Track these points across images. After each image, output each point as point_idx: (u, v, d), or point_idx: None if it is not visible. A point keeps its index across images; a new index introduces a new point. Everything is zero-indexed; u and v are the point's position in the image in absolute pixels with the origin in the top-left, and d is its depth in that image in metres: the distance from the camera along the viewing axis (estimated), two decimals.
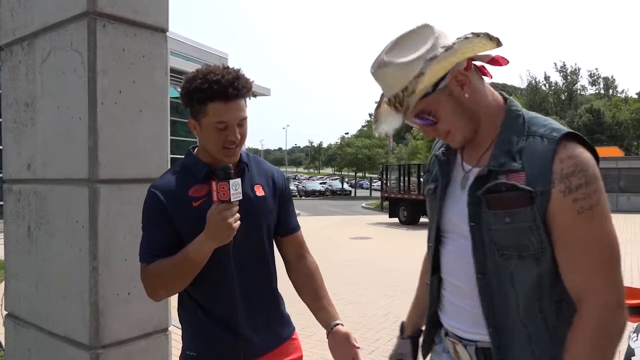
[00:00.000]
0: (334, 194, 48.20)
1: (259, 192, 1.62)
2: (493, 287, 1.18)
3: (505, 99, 1.28)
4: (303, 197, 41.42)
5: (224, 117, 1.46)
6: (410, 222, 17.08)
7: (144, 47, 2.19)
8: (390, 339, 4.51)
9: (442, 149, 1.39)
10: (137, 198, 2.18)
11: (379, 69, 1.21)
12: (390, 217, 18.61)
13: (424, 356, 1.50)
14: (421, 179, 17.49)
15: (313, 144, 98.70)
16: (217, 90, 1.44)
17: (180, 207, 1.50)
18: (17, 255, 2.46)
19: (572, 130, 1.16)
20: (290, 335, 1.72)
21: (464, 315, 1.26)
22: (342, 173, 63.47)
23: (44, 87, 2.27)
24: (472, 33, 1.14)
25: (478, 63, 1.22)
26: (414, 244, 11.47)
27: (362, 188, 59.58)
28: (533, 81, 72.91)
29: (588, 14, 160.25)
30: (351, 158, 48.06)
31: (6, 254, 2.55)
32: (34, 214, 2.35)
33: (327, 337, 1.62)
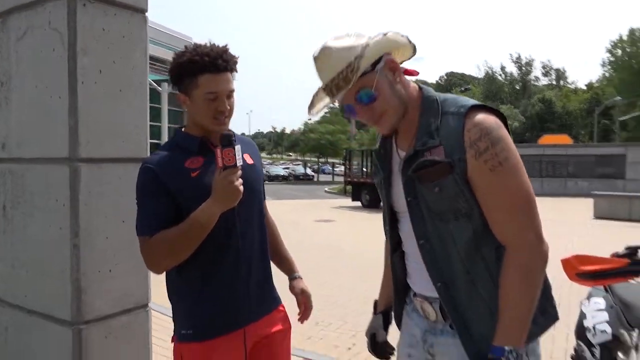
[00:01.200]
0: (297, 179, 48.40)
1: (249, 160, 1.71)
2: (436, 248, 1.34)
3: (420, 88, 1.42)
4: (266, 182, 41.32)
5: (214, 88, 1.55)
6: (373, 205, 17.42)
7: (124, 27, 2.21)
8: (356, 315, 4.69)
9: (377, 144, 1.53)
10: (117, 178, 2.22)
11: (323, 51, 1.35)
12: (353, 200, 18.94)
13: (398, 326, 1.64)
14: None
15: (276, 130, 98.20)
16: (207, 62, 1.53)
17: (178, 178, 1.57)
18: None
19: (476, 103, 1.33)
20: (279, 305, 1.83)
21: (425, 276, 1.40)
22: (305, 158, 63.57)
23: (20, 66, 2.25)
24: (400, 33, 1.35)
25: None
26: (376, 225, 11.77)
27: (325, 173, 59.91)
28: (490, 71, 74.77)
29: (543, 7, 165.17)
30: (314, 144, 48.25)
31: None
32: (10, 193, 2.34)
33: (289, 283, 1.97)
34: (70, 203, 2.07)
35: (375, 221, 13.49)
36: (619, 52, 64.77)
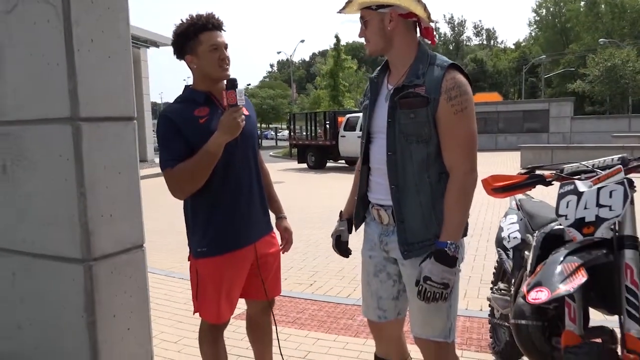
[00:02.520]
0: None
1: (245, 112, 2.11)
2: (399, 160, 1.80)
3: (419, 43, 1.88)
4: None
5: (214, 41, 1.99)
6: (318, 166, 18.00)
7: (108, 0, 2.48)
8: (312, 259, 5.21)
9: (375, 74, 1.98)
10: (112, 134, 2.53)
11: None
12: (299, 162, 19.43)
13: (356, 227, 2.11)
14: (327, 126, 18.31)
15: None
16: (204, 23, 1.98)
17: (190, 124, 1.96)
18: None
19: (455, 62, 1.79)
20: (271, 231, 2.28)
21: (383, 189, 1.88)
22: None
23: (12, 37, 2.46)
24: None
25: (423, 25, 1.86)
26: (323, 184, 12.32)
27: (267, 139, 59.82)
28: (430, 17, 76.28)
29: None
30: (256, 109, 47.99)
31: None
32: (9, 154, 2.59)
33: (276, 221, 2.41)
34: (75, 157, 2.37)
35: (321, 180, 14.08)
36: (544, 11, 68.01)
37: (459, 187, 1.73)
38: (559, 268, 1.63)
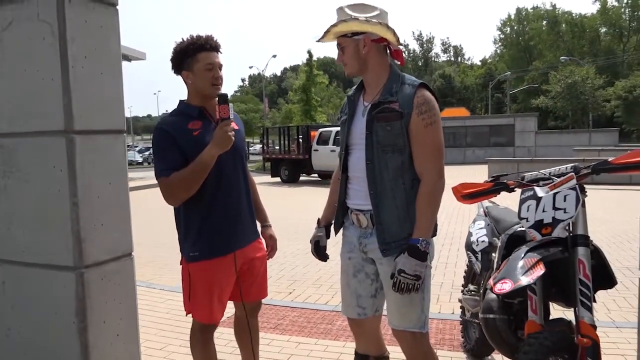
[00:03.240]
0: None
1: (234, 126, 2.25)
2: (376, 168, 1.99)
3: (391, 65, 2.08)
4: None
5: (211, 60, 2.14)
6: (291, 180, 18.14)
7: (101, 19, 2.60)
8: (291, 268, 5.34)
9: (350, 92, 2.17)
10: (104, 146, 2.64)
11: (342, 7, 1.99)
12: (272, 176, 19.52)
13: (336, 232, 2.28)
14: (300, 140, 18.52)
15: None
16: (202, 44, 2.14)
17: (184, 136, 2.10)
18: None
19: (423, 82, 2.01)
20: (258, 238, 2.42)
21: (361, 195, 2.06)
22: None
23: (6, 53, 2.56)
24: (387, 25, 1.94)
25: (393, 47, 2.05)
26: (297, 198, 12.47)
27: None
28: (399, 40, 77.89)
29: None
30: None
31: None
32: (1, 165, 2.67)
33: (261, 229, 2.56)
34: (68, 169, 2.48)
35: (295, 193, 14.23)
36: (508, 29, 70.47)
37: (429, 191, 1.94)
38: (520, 263, 1.83)
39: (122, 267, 2.78)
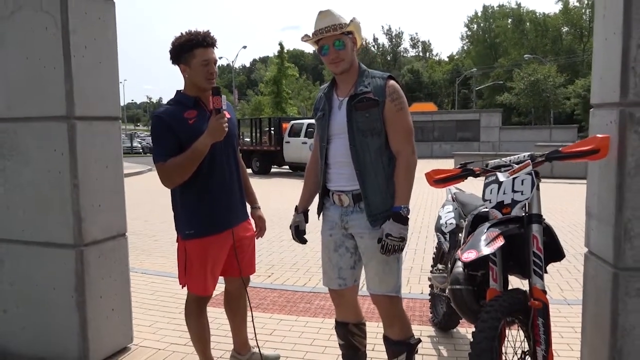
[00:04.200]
0: None
1: (227, 115, 2.44)
2: (359, 151, 2.23)
3: (359, 63, 2.33)
4: (148, 154, 39.82)
5: (206, 57, 2.30)
6: (263, 172, 18.21)
7: (100, 11, 2.76)
8: (268, 254, 5.55)
9: (324, 90, 2.40)
10: (102, 131, 2.80)
11: (328, 10, 2.22)
12: None
13: (319, 214, 2.50)
14: (272, 132, 18.62)
15: (152, 100, 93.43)
16: (200, 39, 2.29)
17: (180, 124, 2.27)
18: None
19: (390, 74, 2.27)
20: (248, 218, 2.63)
21: (344, 177, 2.29)
22: None
23: (7, 41, 2.69)
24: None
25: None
26: (269, 189, 12.65)
27: None
28: (364, 42, 78.38)
29: None
30: None
31: None
32: (1, 148, 2.79)
33: (251, 211, 2.70)
34: (70, 152, 2.63)
35: (267, 185, 14.37)
36: (475, 27, 71.97)
37: (405, 165, 2.20)
38: (484, 236, 2.10)
39: (118, 245, 2.95)
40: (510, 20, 66.23)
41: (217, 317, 3.39)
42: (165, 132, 2.29)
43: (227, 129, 2.27)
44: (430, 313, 3.59)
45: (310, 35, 2.25)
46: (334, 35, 2.17)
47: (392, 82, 2.23)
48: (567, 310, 3.79)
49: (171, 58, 2.33)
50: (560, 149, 2.28)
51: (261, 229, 2.77)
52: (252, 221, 2.74)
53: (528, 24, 63.53)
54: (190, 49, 2.29)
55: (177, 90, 2.44)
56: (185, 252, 2.45)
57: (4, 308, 2.90)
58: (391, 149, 2.24)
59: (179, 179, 2.30)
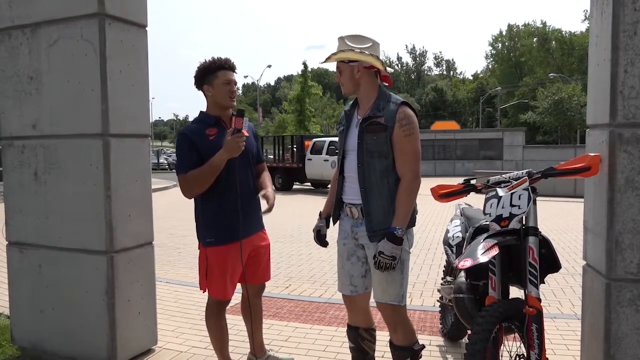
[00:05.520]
0: None
1: (246, 133, 2.67)
2: (366, 170, 2.40)
3: (380, 86, 2.52)
4: (174, 170, 40.62)
5: (228, 78, 2.58)
6: (285, 188, 18.48)
7: (133, 39, 3.04)
8: (286, 267, 5.74)
9: (348, 107, 2.60)
10: (132, 148, 3.06)
11: (341, 36, 2.44)
12: None
13: (334, 223, 2.68)
14: (294, 149, 18.92)
15: (178, 117, 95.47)
16: (222, 64, 2.58)
17: (202, 140, 2.52)
18: (22, 195, 3.15)
19: (405, 100, 2.43)
20: (263, 229, 2.83)
21: (354, 191, 2.47)
22: None
23: (51, 65, 2.98)
24: (377, 56, 2.38)
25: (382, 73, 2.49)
26: (291, 205, 12.85)
27: None
28: (387, 61, 78.93)
29: (435, 1, 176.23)
30: None
31: (7, 196, 3.22)
32: (42, 162, 3.07)
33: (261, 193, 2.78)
34: (104, 166, 2.89)
35: (289, 201, 14.62)
36: (500, 45, 71.83)
37: (406, 189, 2.33)
38: (480, 246, 2.24)
39: (145, 253, 3.19)
40: (535, 39, 65.81)
41: (236, 323, 3.58)
42: (188, 147, 2.54)
43: (243, 148, 2.50)
44: (440, 324, 3.71)
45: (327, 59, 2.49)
46: (330, 60, 2.39)
47: (404, 108, 2.39)
48: (575, 324, 3.86)
49: (196, 82, 2.59)
50: (555, 166, 2.42)
51: (270, 203, 2.75)
52: (266, 198, 2.81)
53: (554, 42, 63.00)
54: (214, 71, 2.57)
55: (201, 111, 2.68)
56: (207, 259, 2.66)
57: (40, 309, 3.16)
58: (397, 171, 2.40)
59: (198, 189, 2.53)
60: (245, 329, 3.05)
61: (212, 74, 2.57)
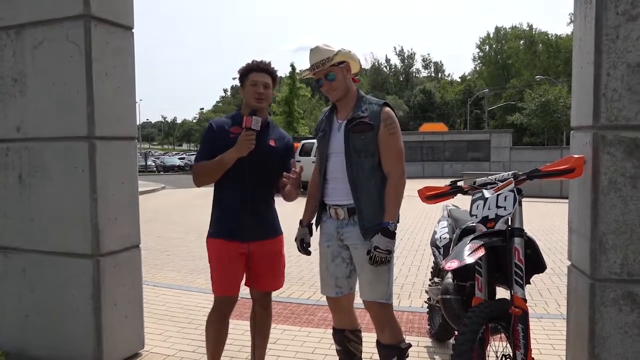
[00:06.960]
0: None
1: (272, 143, 2.65)
2: (354, 169, 2.43)
3: (357, 89, 2.54)
4: (162, 173, 40.38)
5: (255, 79, 2.61)
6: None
7: (120, 41, 3.02)
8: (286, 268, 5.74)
9: (326, 114, 2.61)
10: (119, 150, 3.04)
11: (317, 47, 2.45)
12: None
13: (316, 226, 2.68)
14: None
15: (167, 120, 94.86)
16: (253, 66, 2.63)
17: (223, 135, 2.55)
18: (6, 199, 3.11)
19: (386, 101, 2.47)
20: (278, 235, 2.79)
21: (340, 192, 2.49)
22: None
23: (36, 67, 2.95)
24: (355, 54, 2.41)
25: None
26: (279, 207, 12.84)
27: None
28: (376, 63, 79.18)
29: (423, 3, 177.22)
30: None
31: None
32: (26, 165, 3.04)
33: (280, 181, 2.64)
34: (89, 169, 2.86)
35: (277, 203, 14.60)
36: (487, 48, 72.40)
37: (394, 185, 2.39)
38: (467, 247, 2.26)
39: (132, 256, 3.17)
40: (522, 41, 66.48)
41: (231, 330, 3.55)
42: (209, 139, 2.62)
43: (252, 147, 2.50)
44: (428, 325, 3.73)
45: (306, 71, 2.50)
46: (324, 69, 2.39)
47: (387, 108, 2.45)
48: (561, 324, 3.90)
49: (239, 79, 2.70)
50: (540, 168, 2.45)
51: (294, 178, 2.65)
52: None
53: (540, 45, 63.72)
54: (246, 73, 2.64)
55: (237, 109, 2.75)
56: (208, 249, 2.69)
57: (25, 313, 3.12)
58: (383, 169, 2.43)
59: (204, 180, 2.60)
60: (242, 339, 3.02)
61: (245, 77, 2.65)
